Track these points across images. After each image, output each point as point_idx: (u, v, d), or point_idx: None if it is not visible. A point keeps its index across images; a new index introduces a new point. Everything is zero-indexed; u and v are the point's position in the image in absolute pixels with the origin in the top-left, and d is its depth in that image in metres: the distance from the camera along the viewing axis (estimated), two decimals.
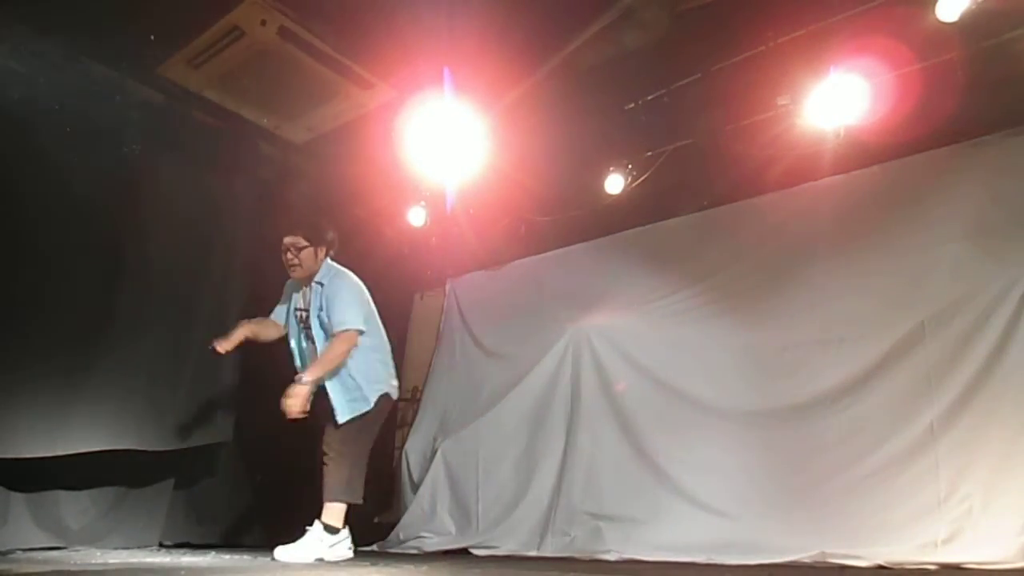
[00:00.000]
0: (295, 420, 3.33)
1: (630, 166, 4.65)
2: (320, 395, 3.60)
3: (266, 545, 3.49)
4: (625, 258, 4.86)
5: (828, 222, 4.08)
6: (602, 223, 4.92)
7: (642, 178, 4.63)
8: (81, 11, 3.42)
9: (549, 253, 5.27)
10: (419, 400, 5.56)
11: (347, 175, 5.01)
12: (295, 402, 3.29)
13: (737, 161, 4.31)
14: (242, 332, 3.55)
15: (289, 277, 3.70)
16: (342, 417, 3.48)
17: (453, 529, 4.77)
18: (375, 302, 3.73)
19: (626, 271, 4.82)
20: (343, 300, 3.54)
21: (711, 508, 3.97)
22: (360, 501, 3.53)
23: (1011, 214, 3.55)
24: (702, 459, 4.13)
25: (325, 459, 3.48)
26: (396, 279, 5.55)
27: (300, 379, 3.34)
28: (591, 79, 4.14)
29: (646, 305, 4.65)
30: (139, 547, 3.95)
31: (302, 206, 4.76)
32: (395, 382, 3.75)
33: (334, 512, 3.44)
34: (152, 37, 3.75)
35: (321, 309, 3.55)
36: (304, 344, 3.71)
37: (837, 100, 3.68)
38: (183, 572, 2.59)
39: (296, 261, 3.57)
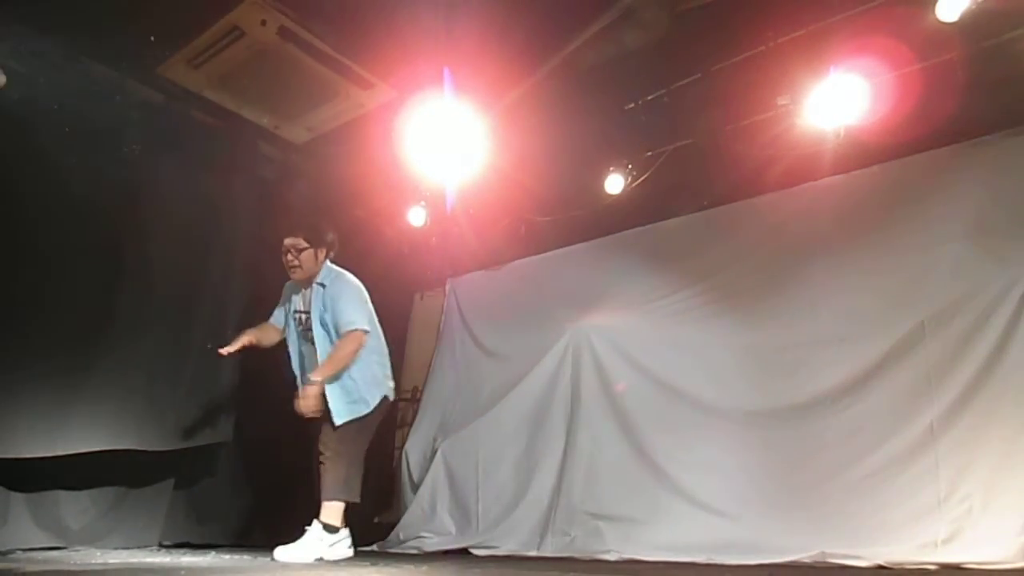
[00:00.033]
0: (311, 419, 3.45)
1: (630, 166, 4.65)
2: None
3: (266, 545, 3.49)
4: (625, 258, 4.86)
5: (828, 222, 4.08)
6: (602, 223, 4.92)
7: (642, 178, 4.64)
8: (81, 11, 3.42)
9: (549, 253, 5.27)
10: (419, 400, 5.56)
11: (347, 175, 5.01)
12: (309, 403, 3.37)
13: (737, 161, 4.31)
14: (244, 340, 3.61)
15: (288, 278, 3.71)
16: (340, 419, 3.49)
17: (453, 529, 4.77)
18: (374, 302, 3.74)
19: (626, 271, 4.82)
20: (348, 301, 3.57)
21: (711, 508, 3.97)
22: (357, 500, 3.54)
23: (1011, 214, 3.55)
24: (702, 459, 4.13)
25: (322, 458, 3.50)
26: (396, 279, 5.55)
27: (310, 379, 3.39)
28: (591, 79, 4.14)
29: (646, 305, 4.65)
30: (139, 547, 3.95)
31: (302, 207, 4.76)
32: (392, 383, 3.78)
33: (332, 511, 3.44)
34: (152, 37, 3.75)
35: (324, 310, 3.57)
36: (303, 346, 3.72)
37: (837, 100, 3.68)
38: (183, 572, 2.59)
39: (296, 262, 3.58)
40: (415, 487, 5.07)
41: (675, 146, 4.54)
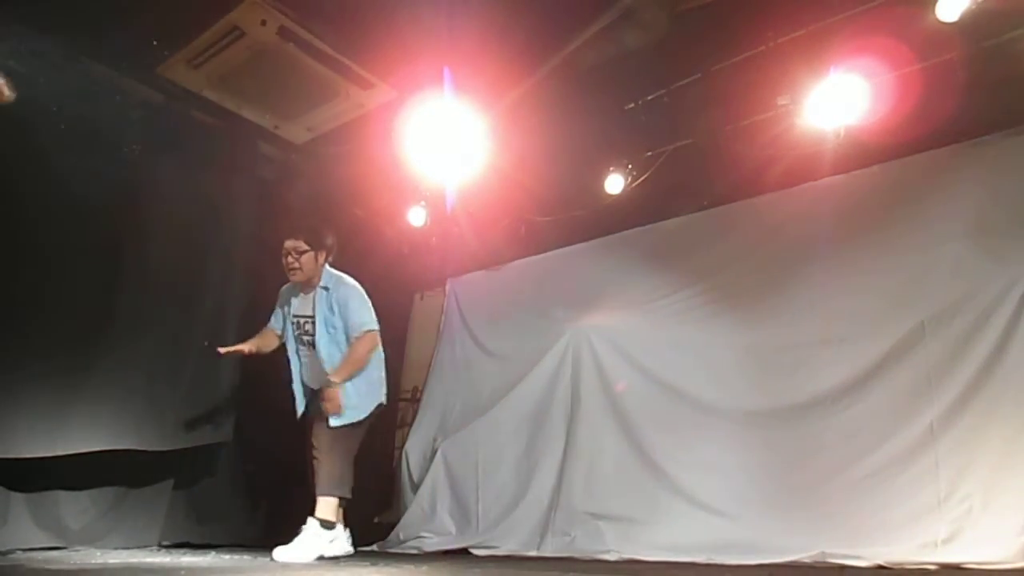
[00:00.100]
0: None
1: (630, 166, 4.65)
2: (316, 392, 3.64)
3: (266, 545, 3.49)
4: (625, 258, 4.86)
5: (828, 222, 4.08)
6: (602, 223, 4.92)
7: (642, 178, 4.64)
8: (81, 11, 3.42)
9: (549, 253, 5.27)
10: (419, 400, 5.56)
11: (347, 175, 5.01)
12: (332, 404, 3.46)
13: (737, 161, 4.31)
14: (245, 348, 3.67)
15: (287, 280, 3.72)
16: (335, 421, 3.53)
17: (453, 529, 4.77)
18: (374, 302, 3.76)
19: (626, 271, 4.82)
20: (358, 303, 3.64)
21: (711, 508, 3.97)
22: (350, 495, 3.58)
23: (1011, 214, 3.55)
24: (702, 459, 4.13)
25: (315, 452, 3.53)
26: (396, 279, 5.56)
27: (330, 382, 3.47)
28: (591, 79, 4.14)
29: (646, 305, 4.65)
30: (139, 547, 3.95)
31: (302, 207, 4.77)
32: (385, 387, 3.82)
33: (328, 507, 3.47)
34: (152, 37, 3.75)
35: (332, 314, 3.60)
36: (301, 349, 3.73)
37: (837, 100, 3.69)
38: (183, 572, 2.59)
39: (297, 265, 3.60)
40: (415, 487, 5.07)
41: (675, 146, 4.54)
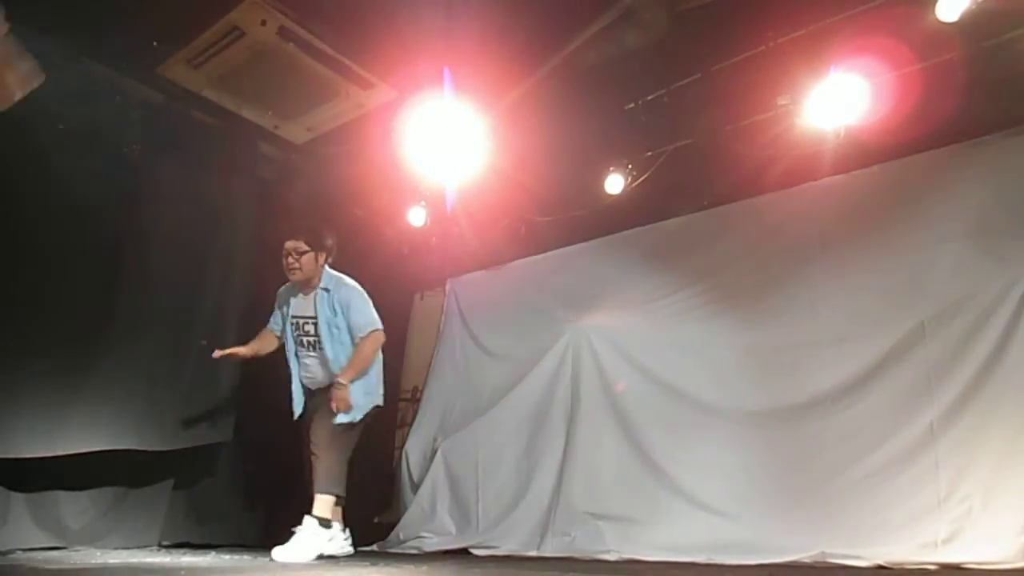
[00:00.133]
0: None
1: (630, 166, 4.65)
2: (314, 393, 3.64)
3: (265, 545, 3.49)
4: (625, 258, 4.86)
5: (828, 222, 4.08)
6: (602, 223, 4.92)
7: (642, 178, 4.64)
8: (81, 11, 3.42)
9: (549, 253, 5.27)
10: (419, 400, 5.56)
11: (347, 175, 5.01)
12: (346, 403, 3.49)
13: (737, 161, 4.31)
14: (244, 351, 3.69)
15: (287, 280, 3.72)
16: (338, 420, 3.53)
17: (453, 529, 4.77)
18: (374, 302, 3.76)
19: (626, 271, 4.82)
20: (361, 303, 3.66)
21: (711, 508, 3.97)
22: (344, 493, 3.58)
23: (1012, 213, 3.55)
24: (702, 459, 4.13)
25: (314, 448, 3.54)
26: (396, 279, 5.55)
27: (339, 383, 3.49)
28: (591, 79, 4.14)
29: (646, 305, 4.65)
30: (139, 547, 3.95)
31: (302, 208, 4.77)
32: (382, 389, 3.83)
33: (325, 505, 3.48)
34: (152, 38, 3.75)
35: (335, 315, 3.61)
36: (300, 350, 3.73)
37: (837, 100, 3.69)
38: (183, 572, 2.59)
39: (297, 265, 3.60)
40: (415, 487, 5.08)
41: (675, 146, 4.54)
